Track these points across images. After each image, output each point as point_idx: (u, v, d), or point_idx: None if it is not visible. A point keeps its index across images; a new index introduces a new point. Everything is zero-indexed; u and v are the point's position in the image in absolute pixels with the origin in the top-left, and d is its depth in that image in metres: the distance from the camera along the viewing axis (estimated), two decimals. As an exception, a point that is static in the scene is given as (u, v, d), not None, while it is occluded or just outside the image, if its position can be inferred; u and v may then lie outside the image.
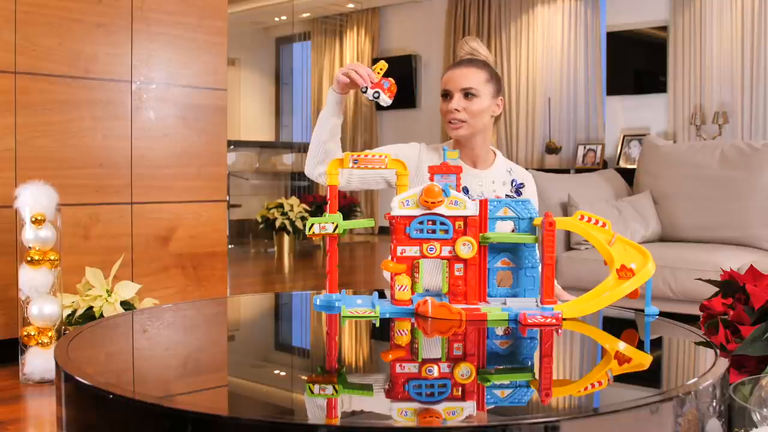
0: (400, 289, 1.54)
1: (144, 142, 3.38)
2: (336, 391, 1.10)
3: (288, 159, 9.77)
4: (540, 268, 1.55)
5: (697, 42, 6.84)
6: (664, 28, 7.11)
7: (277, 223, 7.47)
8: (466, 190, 2.18)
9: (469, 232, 1.53)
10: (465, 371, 1.19)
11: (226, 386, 1.18)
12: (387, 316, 1.54)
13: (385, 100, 1.96)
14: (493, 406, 1.04)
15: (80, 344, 1.33)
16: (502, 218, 1.60)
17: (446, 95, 2.21)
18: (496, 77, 2.23)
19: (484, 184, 2.22)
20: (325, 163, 2.05)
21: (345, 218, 1.63)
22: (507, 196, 2.23)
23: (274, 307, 1.98)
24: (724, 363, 1.20)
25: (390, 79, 1.96)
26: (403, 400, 1.05)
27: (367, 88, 1.95)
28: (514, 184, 2.26)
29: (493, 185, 2.23)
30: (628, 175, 4.56)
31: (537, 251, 1.61)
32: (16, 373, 2.78)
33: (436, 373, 1.17)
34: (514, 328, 1.46)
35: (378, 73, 1.96)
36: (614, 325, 1.65)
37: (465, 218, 1.53)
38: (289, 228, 7.48)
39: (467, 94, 2.17)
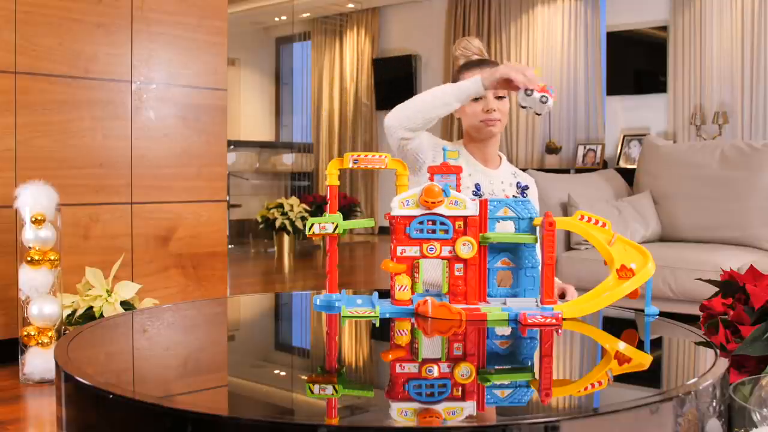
0: (400, 289, 1.53)
1: (144, 142, 3.38)
2: (336, 391, 1.10)
3: (288, 159, 9.77)
4: (540, 268, 1.55)
5: (697, 42, 6.84)
6: (664, 28, 7.11)
7: (277, 223, 7.47)
8: (478, 187, 2.22)
9: (469, 232, 1.53)
10: (465, 371, 1.19)
11: (226, 386, 1.18)
12: (387, 316, 1.54)
13: (551, 103, 1.93)
14: (493, 406, 1.04)
15: (80, 344, 1.33)
16: (503, 218, 1.60)
17: (476, 97, 2.21)
18: None
19: (494, 183, 2.27)
20: (414, 131, 2.11)
21: (345, 218, 1.62)
22: (514, 196, 2.26)
23: (274, 307, 1.98)
24: (724, 363, 1.19)
25: (552, 86, 1.96)
26: (403, 400, 1.05)
27: (532, 91, 1.91)
28: (519, 186, 2.30)
29: (502, 185, 2.28)
30: (628, 175, 4.56)
31: (537, 251, 1.61)
32: (16, 373, 2.78)
33: (436, 373, 1.17)
34: (514, 328, 1.46)
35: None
36: (614, 325, 1.65)
37: (465, 218, 1.53)
38: (289, 228, 7.48)
39: (499, 96, 2.24)
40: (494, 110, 2.22)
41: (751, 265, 1.63)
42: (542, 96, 1.89)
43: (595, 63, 7.58)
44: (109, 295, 2.86)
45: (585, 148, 7.58)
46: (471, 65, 2.29)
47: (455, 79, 2.31)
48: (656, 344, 1.50)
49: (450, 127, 8.62)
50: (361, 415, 1.01)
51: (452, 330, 1.44)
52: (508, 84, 1.99)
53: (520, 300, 1.57)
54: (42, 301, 2.74)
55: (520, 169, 2.51)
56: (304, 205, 7.63)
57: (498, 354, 1.37)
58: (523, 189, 2.29)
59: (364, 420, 0.98)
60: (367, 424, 0.96)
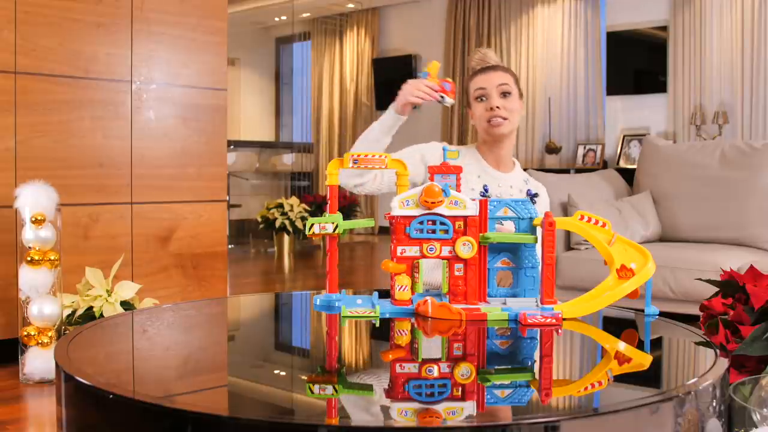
0: (400, 289, 1.53)
1: (144, 142, 3.38)
2: (336, 391, 1.10)
3: (288, 159, 9.77)
4: (540, 268, 1.55)
5: (697, 42, 6.84)
6: (664, 28, 7.11)
7: (277, 223, 7.47)
8: (486, 189, 2.21)
9: (469, 232, 1.53)
10: (465, 371, 1.19)
11: (226, 386, 1.18)
12: (387, 316, 1.54)
13: (449, 101, 2.04)
14: (493, 406, 1.04)
15: (80, 344, 1.33)
16: (502, 218, 1.60)
17: (481, 98, 2.24)
18: (518, 81, 2.33)
19: (503, 186, 2.26)
20: (362, 176, 2.16)
21: (345, 218, 1.62)
22: None
23: (274, 307, 1.98)
24: (724, 363, 1.19)
25: (448, 79, 2.03)
26: (403, 400, 1.05)
27: (443, 97, 2.03)
28: (529, 193, 2.29)
29: (511, 189, 2.27)
30: (628, 175, 4.55)
31: (537, 251, 1.61)
32: (16, 373, 2.78)
33: (436, 373, 1.17)
34: (514, 328, 1.46)
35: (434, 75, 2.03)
36: (614, 325, 1.65)
37: (465, 218, 1.53)
38: (289, 228, 7.47)
39: (504, 93, 2.23)
40: (497, 108, 2.21)
41: (751, 265, 1.63)
42: (439, 96, 2.05)
43: (594, 63, 7.58)
44: (109, 295, 2.86)
45: (585, 148, 7.58)
46: (476, 72, 2.29)
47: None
48: (656, 344, 1.50)
49: (450, 129, 8.62)
50: (361, 415, 1.01)
51: (452, 330, 1.44)
52: (411, 105, 2.09)
53: (520, 300, 1.58)
54: (42, 301, 2.74)
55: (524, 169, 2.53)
56: (304, 205, 7.63)
57: (498, 354, 1.37)
58: (532, 197, 2.28)
59: (364, 420, 0.98)
60: (367, 424, 0.95)
